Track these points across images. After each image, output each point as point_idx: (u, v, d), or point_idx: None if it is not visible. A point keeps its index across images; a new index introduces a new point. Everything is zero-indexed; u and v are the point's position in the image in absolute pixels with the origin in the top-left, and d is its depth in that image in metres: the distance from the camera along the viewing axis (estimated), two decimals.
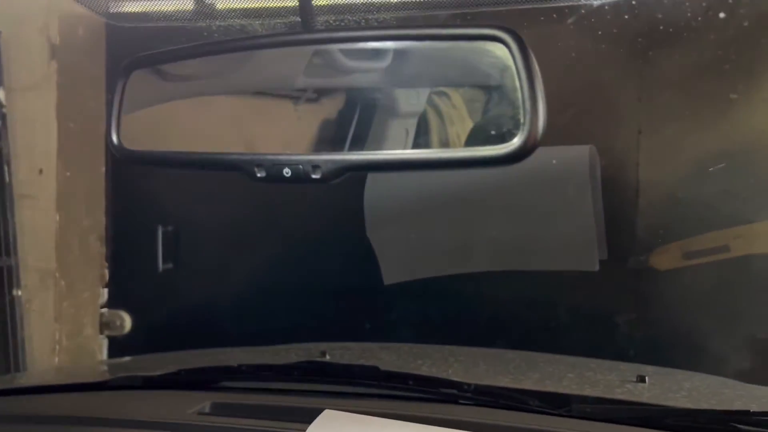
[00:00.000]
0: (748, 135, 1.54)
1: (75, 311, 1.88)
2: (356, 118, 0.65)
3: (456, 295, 1.68)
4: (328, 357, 1.18)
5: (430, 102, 0.80)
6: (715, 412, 0.96)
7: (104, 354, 1.94)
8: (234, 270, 1.87)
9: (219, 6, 1.08)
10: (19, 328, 1.80)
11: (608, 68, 1.52)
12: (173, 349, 1.49)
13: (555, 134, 0.56)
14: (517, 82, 0.48)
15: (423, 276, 1.62)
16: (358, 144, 0.64)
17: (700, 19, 1.34)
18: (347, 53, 0.60)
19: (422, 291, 1.68)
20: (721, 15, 1.34)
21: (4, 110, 1.77)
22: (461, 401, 0.99)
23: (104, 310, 1.94)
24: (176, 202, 1.89)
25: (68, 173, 1.82)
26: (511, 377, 1.18)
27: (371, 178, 1.61)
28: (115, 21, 0.76)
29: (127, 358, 1.60)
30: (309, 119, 0.68)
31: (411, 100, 0.80)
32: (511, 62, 0.48)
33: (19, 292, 1.81)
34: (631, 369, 1.23)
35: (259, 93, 0.72)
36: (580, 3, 0.95)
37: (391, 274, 1.63)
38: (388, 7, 0.64)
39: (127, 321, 1.94)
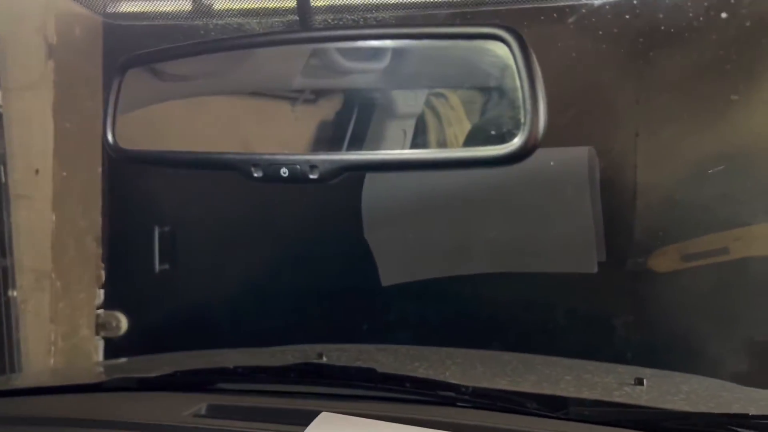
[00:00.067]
0: (747, 137, 1.53)
1: (71, 312, 1.87)
2: (354, 118, 0.64)
3: (453, 297, 1.67)
4: (324, 359, 1.17)
5: (427, 103, 0.79)
6: (714, 415, 0.96)
7: (100, 355, 1.93)
8: (230, 271, 1.86)
9: (216, 6, 1.08)
10: (14, 328, 1.79)
11: (608, 69, 1.51)
12: (169, 350, 1.49)
13: (553, 135, 0.55)
14: (518, 82, 0.47)
15: (421, 277, 1.61)
16: (356, 144, 0.63)
17: (701, 19, 1.33)
18: (345, 53, 0.59)
19: (420, 292, 1.67)
20: (723, 15, 1.34)
21: (0, 110, 1.76)
22: (459, 404, 0.98)
23: (100, 311, 1.93)
24: (173, 203, 1.89)
25: (64, 173, 1.82)
26: (509, 379, 1.18)
27: (369, 178, 1.61)
28: (113, 19, 0.75)
29: (122, 360, 1.60)
30: (306, 119, 0.67)
31: (409, 101, 0.80)
32: (511, 61, 0.47)
33: (15, 293, 1.80)
34: (628, 371, 1.23)
35: (256, 93, 0.71)
36: (581, 2, 0.94)
37: (388, 276, 1.62)
38: (387, 7, 0.64)
39: (123, 322, 1.93)
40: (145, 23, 0.84)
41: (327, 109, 0.68)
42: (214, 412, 0.97)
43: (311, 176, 0.52)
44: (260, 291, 1.84)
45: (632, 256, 1.53)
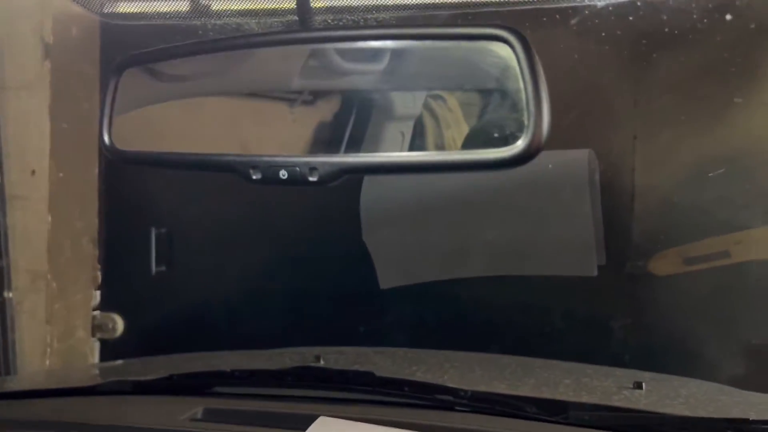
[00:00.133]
0: (747, 140, 1.53)
1: (67, 313, 1.86)
2: (354, 120, 0.63)
3: (450, 299, 1.67)
4: (322, 362, 1.17)
5: (425, 105, 0.79)
6: (714, 420, 0.95)
7: (96, 357, 1.92)
8: (228, 273, 1.86)
9: (214, 6, 1.07)
10: (10, 330, 1.78)
11: (608, 70, 1.51)
12: (166, 352, 1.48)
13: (552, 137, 0.55)
14: (521, 83, 0.47)
15: (420, 280, 1.61)
16: (355, 146, 0.63)
17: (705, 21, 1.33)
18: (345, 54, 0.58)
19: (417, 294, 1.67)
20: (728, 17, 1.34)
21: None
22: (457, 408, 0.98)
23: (96, 312, 1.92)
24: (170, 204, 1.88)
25: (61, 174, 1.81)
26: (508, 383, 1.17)
27: (368, 180, 1.60)
28: (110, 19, 0.74)
29: (118, 362, 1.59)
30: (306, 121, 0.67)
31: (407, 103, 0.79)
32: (514, 63, 0.47)
33: (10, 294, 1.80)
34: (627, 375, 1.22)
35: (255, 93, 0.71)
36: (584, 4, 0.93)
37: (387, 279, 1.62)
38: (388, 7, 0.63)
39: (119, 324, 1.92)
40: (142, 23, 0.83)
41: (327, 111, 0.67)
42: (211, 416, 0.96)
43: (311, 179, 0.51)
44: (257, 293, 1.83)
45: (632, 259, 1.53)
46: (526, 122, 0.47)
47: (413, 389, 1.00)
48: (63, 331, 1.85)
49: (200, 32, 0.81)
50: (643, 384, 1.10)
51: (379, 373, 1.02)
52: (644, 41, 1.44)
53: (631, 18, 1.29)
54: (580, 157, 1.48)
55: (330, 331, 1.73)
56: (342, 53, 0.58)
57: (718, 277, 1.49)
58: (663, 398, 1.12)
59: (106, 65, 1.78)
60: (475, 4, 0.72)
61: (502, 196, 1.50)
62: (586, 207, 1.45)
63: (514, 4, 0.79)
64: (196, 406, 0.97)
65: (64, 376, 1.42)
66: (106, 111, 0.60)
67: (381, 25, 0.57)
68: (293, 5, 0.84)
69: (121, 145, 0.61)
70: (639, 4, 1.15)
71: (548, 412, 0.95)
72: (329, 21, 0.57)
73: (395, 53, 0.55)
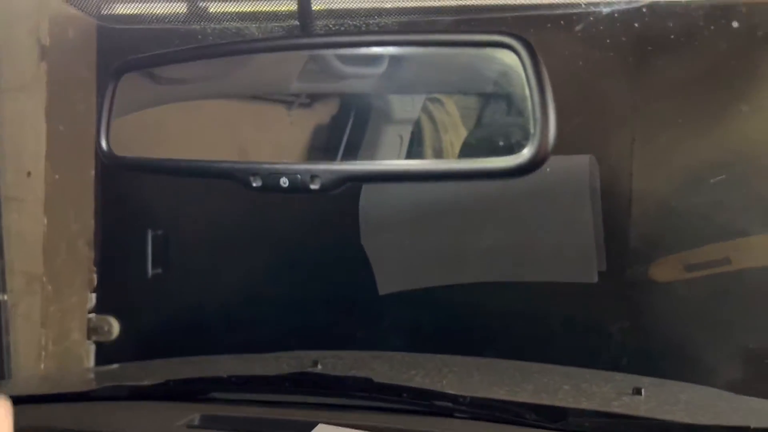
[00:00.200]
0: (745, 145, 1.53)
1: (62, 316, 1.85)
2: (354, 125, 0.63)
3: (448, 302, 1.66)
4: (319, 367, 1.16)
5: (423, 108, 0.78)
6: (715, 428, 0.95)
7: (91, 360, 1.91)
8: (224, 275, 1.85)
9: (212, 9, 1.06)
10: (5, 332, 1.77)
11: (612, 76, 1.51)
12: (162, 355, 1.47)
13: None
14: (527, 91, 0.46)
15: (419, 286, 1.60)
16: (357, 153, 0.62)
17: (712, 28, 1.32)
18: (345, 59, 0.57)
19: (415, 298, 1.66)
20: (735, 24, 1.33)
21: None
22: (456, 414, 0.97)
23: (92, 315, 1.91)
24: (166, 207, 1.87)
25: (57, 176, 1.80)
26: (506, 389, 1.16)
27: (367, 185, 1.59)
28: (107, 22, 0.73)
29: (114, 366, 1.58)
30: (305, 126, 0.66)
31: (406, 107, 0.78)
32: (520, 70, 0.46)
33: (5, 296, 1.78)
34: (625, 380, 1.22)
35: (256, 98, 0.70)
36: (589, 10, 0.92)
37: (386, 284, 1.61)
38: (390, 12, 0.62)
39: (115, 326, 1.91)
40: (140, 27, 0.82)
41: (328, 116, 0.66)
42: (208, 422, 0.95)
43: (312, 186, 0.50)
44: (254, 296, 1.83)
45: (631, 265, 1.53)
46: (532, 130, 0.47)
47: (412, 395, 0.99)
48: (58, 334, 1.84)
49: (199, 37, 0.80)
50: (642, 390, 1.09)
51: (377, 379, 1.02)
52: (648, 47, 1.43)
53: (636, 25, 1.29)
54: (580, 162, 1.47)
55: (327, 335, 1.72)
56: (342, 58, 0.57)
57: (718, 284, 1.49)
58: (662, 404, 1.12)
59: (103, 67, 1.78)
60: (479, 10, 0.72)
61: (502, 202, 1.49)
62: (587, 213, 1.44)
63: (518, 10, 0.78)
64: (193, 413, 0.97)
65: (58, 380, 1.41)
66: (104, 116, 0.59)
67: (384, 31, 0.56)
68: (291, 7, 0.84)
69: (119, 151, 0.60)
70: (644, 10, 1.14)
71: (548, 419, 0.94)
72: (330, 26, 0.56)
73: (397, 59, 0.55)
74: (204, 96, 0.73)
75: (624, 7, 0.93)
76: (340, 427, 0.88)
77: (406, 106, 0.78)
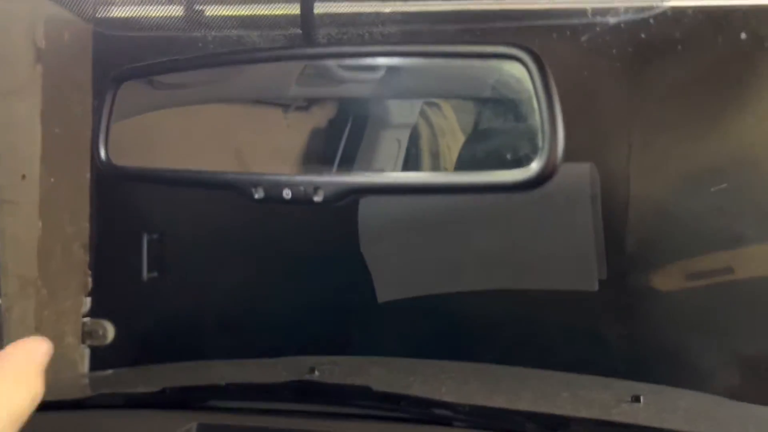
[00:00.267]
0: (744, 151, 1.53)
1: (56, 320, 1.84)
2: (355, 135, 0.62)
3: (444, 306, 1.66)
4: (317, 373, 1.15)
5: (421, 112, 0.78)
6: None
7: (86, 364, 1.90)
8: (221, 279, 1.84)
9: (208, 13, 1.05)
10: None
11: (613, 83, 1.51)
12: (158, 359, 1.46)
13: None
14: (536, 104, 0.45)
15: (418, 294, 1.59)
16: (358, 162, 0.61)
17: (720, 39, 1.32)
18: (348, 68, 0.57)
19: (412, 304, 1.66)
20: (743, 36, 1.33)
21: None
22: (456, 423, 0.97)
23: (86, 319, 1.90)
24: (162, 210, 1.86)
25: (52, 179, 1.78)
26: (505, 396, 1.16)
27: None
28: (104, 29, 0.72)
29: (108, 372, 1.56)
30: (306, 135, 0.65)
31: (404, 111, 0.78)
32: (528, 83, 0.45)
33: None
34: (624, 387, 1.22)
35: (257, 105, 0.69)
36: (595, 20, 0.92)
37: (384, 292, 1.60)
38: (394, 21, 0.62)
39: (109, 330, 1.90)
40: (139, 34, 0.81)
41: (332, 126, 0.65)
42: (205, 431, 0.95)
43: (315, 199, 0.50)
44: (251, 300, 1.82)
45: (630, 272, 1.52)
46: (540, 144, 0.46)
47: (411, 404, 0.99)
48: (52, 338, 1.80)
49: (200, 45, 0.79)
50: (641, 397, 1.09)
51: (376, 387, 1.01)
52: (652, 56, 1.43)
53: (643, 35, 1.29)
54: (581, 170, 1.47)
55: (324, 340, 1.72)
56: (345, 66, 0.56)
57: (719, 293, 1.49)
58: (661, 412, 1.12)
59: (99, 70, 1.77)
60: (484, 20, 0.71)
61: (502, 209, 1.48)
62: (587, 221, 1.44)
63: (523, 19, 0.78)
64: (190, 421, 0.96)
65: (52, 387, 1.40)
66: (102, 125, 0.58)
67: (389, 42, 0.55)
68: (286, 11, 0.83)
69: (118, 161, 0.59)
70: (652, 21, 1.14)
71: (548, 428, 0.94)
72: (332, 34, 0.55)
73: (402, 69, 0.54)
74: (207, 108, 0.72)
75: (631, 17, 0.93)
76: None
77: (407, 114, 0.78)
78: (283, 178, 0.53)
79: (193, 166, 0.59)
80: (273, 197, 0.51)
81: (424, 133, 0.77)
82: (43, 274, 1.80)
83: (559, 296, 1.56)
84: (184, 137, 0.65)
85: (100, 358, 1.87)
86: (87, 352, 1.89)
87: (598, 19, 0.90)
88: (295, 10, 0.65)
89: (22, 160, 1.76)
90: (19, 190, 1.77)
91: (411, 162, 0.74)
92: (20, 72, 1.73)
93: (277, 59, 0.57)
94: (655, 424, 1.00)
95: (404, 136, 0.75)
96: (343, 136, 0.67)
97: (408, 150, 0.74)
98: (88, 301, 1.89)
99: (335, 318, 1.73)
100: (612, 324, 1.58)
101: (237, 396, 1.02)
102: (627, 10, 0.95)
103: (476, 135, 0.59)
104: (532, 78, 0.45)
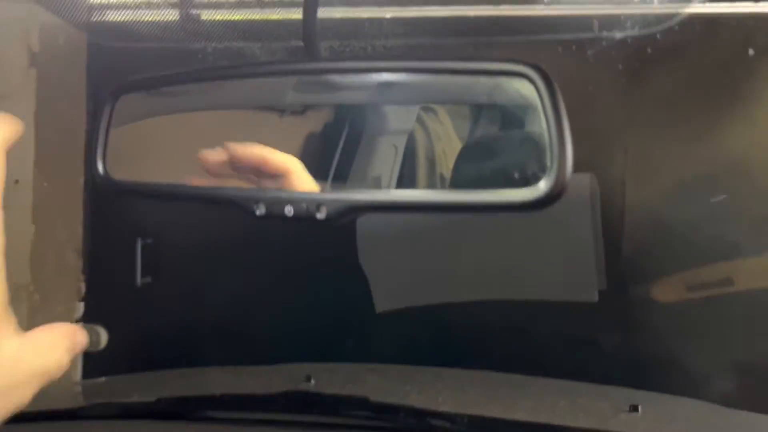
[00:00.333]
0: (742, 159, 1.54)
1: None
2: (362, 153, 0.61)
3: (440, 313, 1.65)
4: (313, 382, 1.14)
5: (417, 117, 0.77)
6: None
7: (78, 370, 1.88)
8: (215, 285, 1.83)
9: (204, 17, 1.04)
10: None
11: (612, 94, 1.51)
12: (151, 365, 1.45)
13: None
14: (544, 123, 0.45)
15: (416, 303, 1.59)
16: (365, 181, 0.60)
17: (730, 54, 1.32)
18: (351, 81, 0.56)
19: (408, 310, 1.65)
20: (750, 52, 1.33)
21: None
22: None
23: (79, 324, 1.88)
24: (156, 215, 1.85)
25: (45, 184, 1.77)
26: (503, 405, 1.16)
27: None
28: (99, 40, 0.71)
29: (102, 379, 1.55)
30: (302, 146, 0.64)
31: (402, 118, 0.77)
32: (537, 101, 0.45)
33: None
34: (621, 395, 1.22)
35: (256, 117, 0.68)
36: (602, 35, 0.91)
37: (383, 302, 1.60)
38: (396, 34, 0.61)
39: (103, 336, 1.86)
40: (134, 45, 0.80)
41: (330, 137, 0.65)
42: None
43: (318, 216, 0.49)
44: (245, 305, 1.81)
45: (629, 281, 1.52)
46: (548, 163, 0.45)
47: (409, 415, 0.98)
48: None
49: (199, 56, 0.78)
50: (639, 406, 1.09)
51: (374, 398, 1.00)
52: (663, 75, 1.43)
53: (649, 50, 1.28)
54: (581, 180, 1.47)
55: (320, 346, 1.71)
56: (351, 82, 0.55)
57: (719, 304, 1.49)
58: (659, 421, 1.12)
59: (93, 75, 1.75)
60: (489, 33, 0.70)
61: (501, 219, 1.48)
62: (587, 231, 1.44)
63: (528, 34, 0.77)
64: None
65: (44, 395, 1.38)
66: (100, 139, 0.57)
67: (394, 57, 0.54)
68: (282, 16, 0.82)
69: (116, 176, 0.58)
70: (658, 37, 1.14)
71: None
72: (335, 47, 0.55)
73: (407, 86, 0.53)
74: (208, 121, 0.71)
75: (639, 33, 0.93)
76: None
77: (405, 121, 0.77)
78: (285, 194, 0.52)
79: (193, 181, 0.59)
80: (275, 214, 0.51)
81: (420, 138, 0.76)
82: (36, 279, 1.78)
83: (555, 302, 1.56)
84: (186, 153, 0.65)
85: (93, 363, 1.86)
86: (80, 357, 1.88)
87: (605, 33, 0.90)
88: (285, 15, 0.64)
89: (15, 165, 1.74)
90: (12, 195, 1.75)
91: (409, 169, 0.73)
92: (14, 76, 1.71)
93: (280, 74, 0.56)
94: None
95: (401, 141, 0.74)
96: (341, 143, 0.67)
97: (406, 157, 0.73)
98: (81, 306, 1.87)
99: (331, 324, 1.72)
100: (609, 331, 1.58)
101: (233, 406, 1.02)
102: (646, 18, 0.94)
103: (482, 153, 0.58)
104: (540, 96, 0.44)
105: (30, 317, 1.77)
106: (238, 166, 0.64)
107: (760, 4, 1.43)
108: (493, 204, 0.48)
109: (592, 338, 1.57)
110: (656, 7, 0.94)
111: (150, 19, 1.11)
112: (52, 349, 0.50)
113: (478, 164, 0.56)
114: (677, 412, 1.20)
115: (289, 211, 0.50)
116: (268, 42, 0.65)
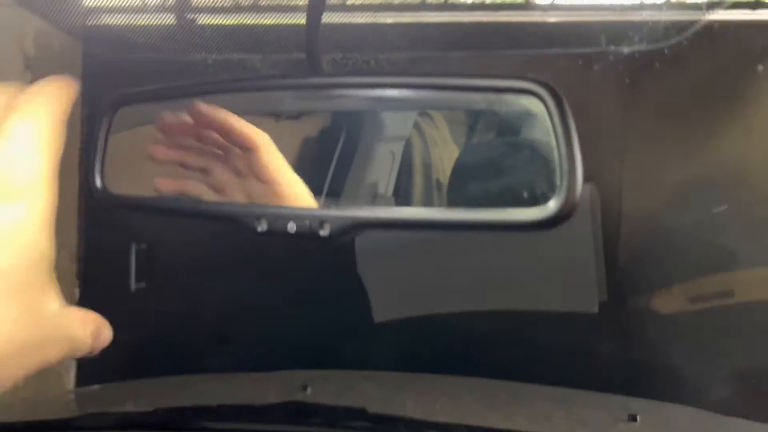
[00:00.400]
0: (740, 167, 1.53)
1: None
2: (368, 168, 0.60)
3: (437, 319, 1.64)
4: (309, 390, 1.13)
5: (414, 123, 0.76)
6: None
7: (72, 375, 1.86)
8: (210, 291, 1.81)
9: (200, 21, 1.03)
10: None
11: (610, 101, 1.50)
12: (146, 371, 1.43)
13: None
14: (554, 141, 0.44)
15: (415, 314, 1.58)
16: (370, 198, 0.59)
17: (739, 70, 1.32)
18: (359, 96, 0.55)
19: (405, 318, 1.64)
20: (759, 68, 1.33)
21: None
22: None
23: None
24: (151, 220, 1.83)
25: None
26: (500, 414, 1.15)
27: None
28: (96, 48, 0.69)
29: (96, 387, 1.53)
30: (315, 167, 0.63)
31: (399, 124, 0.76)
32: (546, 119, 0.44)
33: None
34: (619, 403, 1.21)
35: (254, 121, 0.67)
36: (609, 49, 0.91)
37: (381, 312, 1.59)
38: (400, 47, 0.60)
39: None
40: (130, 56, 0.79)
41: (331, 147, 0.64)
42: None
43: (321, 233, 0.48)
44: (240, 311, 1.80)
45: (627, 289, 1.52)
46: (558, 182, 0.45)
47: (407, 426, 0.97)
48: None
49: (199, 68, 0.77)
50: (638, 416, 1.09)
51: (371, 408, 0.99)
52: (646, 70, 1.42)
53: (657, 65, 1.28)
54: (582, 190, 1.46)
55: (315, 351, 1.70)
56: (351, 93, 0.54)
57: (720, 315, 1.49)
58: (657, 430, 1.11)
59: (88, 79, 1.74)
60: (494, 47, 0.70)
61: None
62: (588, 242, 1.43)
63: (535, 47, 0.76)
64: None
65: (37, 404, 1.36)
66: (98, 152, 0.56)
67: (400, 72, 0.53)
68: (279, 21, 0.81)
69: (114, 190, 0.57)
70: (666, 52, 1.13)
71: None
72: (338, 60, 0.54)
73: (414, 103, 0.52)
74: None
75: (646, 47, 0.92)
76: None
77: (398, 124, 0.76)
78: (288, 211, 0.51)
79: (195, 196, 0.58)
80: (277, 231, 0.50)
81: (417, 144, 0.76)
82: None
83: (557, 313, 1.55)
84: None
85: (87, 369, 1.84)
86: (73, 363, 1.86)
87: (612, 48, 0.89)
88: (281, 19, 0.63)
89: None
90: None
91: (406, 175, 0.73)
92: (8, 80, 1.69)
93: (283, 88, 0.55)
94: None
95: (399, 148, 0.73)
96: (338, 148, 0.66)
97: (403, 163, 0.72)
98: None
99: (327, 331, 1.71)
100: (607, 340, 1.57)
101: (230, 417, 1.00)
102: (653, 31, 0.94)
103: (489, 171, 0.57)
104: (549, 114, 0.44)
105: None
106: (202, 134, 0.63)
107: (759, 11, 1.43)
108: (501, 223, 0.47)
109: (587, 344, 1.57)
110: (673, 13, 0.93)
111: (145, 23, 1.10)
112: (83, 326, 0.53)
113: (486, 183, 0.56)
114: (675, 420, 1.19)
115: (291, 227, 0.49)
116: (269, 54, 0.64)
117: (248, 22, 0.91)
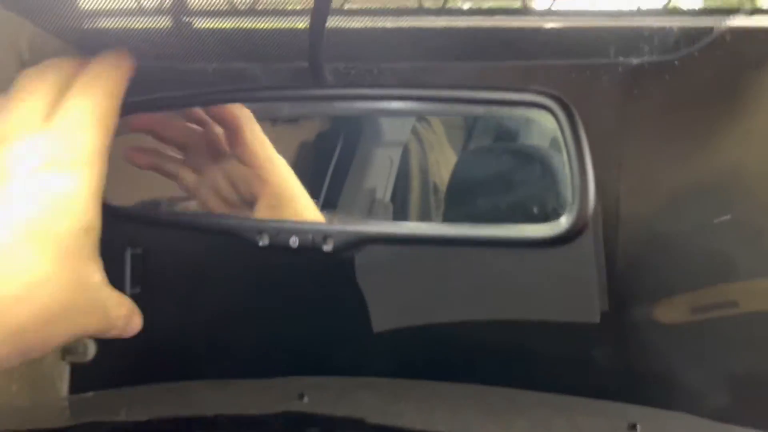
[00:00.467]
0: (739, 172, 1.53)
1: None
2: (373, 182, 0.59)
3: (434, 325, 1.63)
4: (306, 399, 1.12)
5: (412, 129, 0.75)
6: None
7: (65, 381, 1.85)
8: (206, 296, 1.80)
9: (196, 25, 1.02)
10: None
11: (607, 105, 1.50)
12: (140, 377, 1.42)
13: None
14: (565, 156, 0.43)
15: (414, 323, 1.57)
16: (375, 212, 0.58)
17: (748, 80, 1.32)
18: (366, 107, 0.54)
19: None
20: (760, 74, 1.33)
21: None
22: None
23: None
24: (145, 224, 1.82)
25: None
26: (499, 423, 1.15)
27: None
28: (94, 56, 0.68)
29: (89, 394, 1.52)
30: (314, 182, 0.62)
31: (397, 129, 0.75)
32: (558, 133, 0.43)
33: None
34: (618, 411, 1.21)
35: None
36: (618, 61, 0.90)
37: (381, 322, 1.58)
38: (405, 57, 0.59)
39: (90, 346, 1.85)
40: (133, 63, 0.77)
41: (329, 151, 0.63)
42: None
43: (324, 248, 0.47)
44: (236, 316, 1.78)
45: (626, 296, 1.51)
46: (570, 198, 0.44)
47: None
48: None
49: (200, 77, 0.76)
50: (638, 425, 1.08)
51: (369, 419, 0.99)
52: (645, 75, 1.42)
53: (667, 77, 1.27)
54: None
55: (314, 359, 1.69)
56: (363, 107, 0.53)
57: (723, 326, 1.49)
58: None
59: None
60: (501, 58, 0.69)
61: None
62: (589, 250, 1.43)
63: (543, 58, 0.76)
64: None
65: (30, 412, 1.35)
66: None
67: (406, 85, 0.53)
68: (277, 24, 0.80)
69: (113, 201, 0.56)
70: (676, 63, 1.12)
71: None
72: (340, 69, 0.53)
73: (417, 113, 0.51)
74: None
75: (656, 59, 0.91)
76: None
77: (397, 128, 0.75)
78: (290, 225, 0.50)
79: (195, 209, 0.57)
80: (279, 245, 0.49)
81: (414, 149, 0.75)
82: None
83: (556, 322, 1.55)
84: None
85: (81, 375, 1.82)
86: (67, 368, 1.84)
87: (621, 59, 0.88)
88: (278, 22, 0.62)
89: None
90: None
91: (403, 181, 0.72)
92: (4, 82, 1.68)
93: (286, 99, 0.54)
94: None
95: (397, 153, 0.73)
96: (336, 153, 0.65)
97: (401, 169, 0.71)
98: None
99: (323, 338, 1.70)
100: (606, 346, 1.57)
101: (226, 428, 0.99)
102: (682, 31, 0.93)
103: (499, 186, 0.56)
104: (561, 128, 0.43)
105: None
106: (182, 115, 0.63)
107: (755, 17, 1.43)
108: (511, 240, 0.46)
109: (586, 350, 1.56)
110: (691, 19, 0.92)
111: (142, 26, 1.09)
112: (118, 306, 0.56)
113: (496, 199, 0.55)
114: (675, 428, 1.19)
115: (294, 242, 0.48)
116: (271, 63, 0.63)
117: (246, 26, 0.90)
